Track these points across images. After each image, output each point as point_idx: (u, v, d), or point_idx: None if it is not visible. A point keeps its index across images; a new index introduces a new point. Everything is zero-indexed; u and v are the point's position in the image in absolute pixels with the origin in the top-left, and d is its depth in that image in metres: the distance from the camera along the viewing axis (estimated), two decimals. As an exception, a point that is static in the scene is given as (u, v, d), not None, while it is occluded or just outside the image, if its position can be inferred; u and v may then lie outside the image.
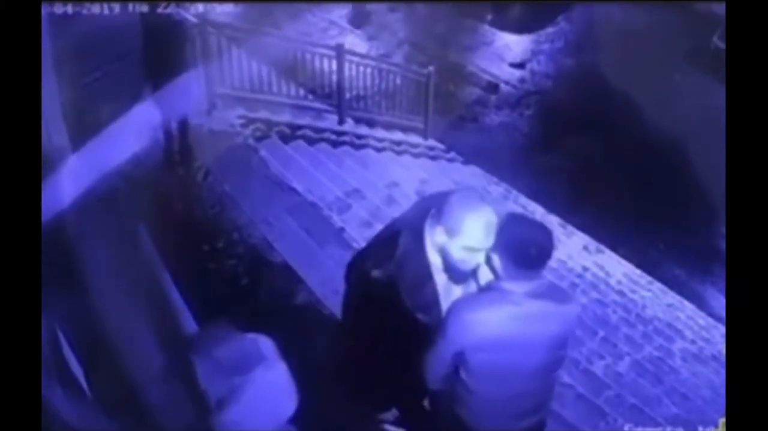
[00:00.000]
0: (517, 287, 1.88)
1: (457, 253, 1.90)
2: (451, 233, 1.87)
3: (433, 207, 1.95)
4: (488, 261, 1.95)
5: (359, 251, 2.14)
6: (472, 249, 1.88)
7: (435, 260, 1.98)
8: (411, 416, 2.38)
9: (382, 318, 2.00)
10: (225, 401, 1.79)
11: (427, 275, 1.99)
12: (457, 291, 2.04)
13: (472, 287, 2.05)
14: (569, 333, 2.04)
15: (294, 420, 1.85)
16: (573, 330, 2.05)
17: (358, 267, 2.07)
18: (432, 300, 2.02)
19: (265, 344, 1.91)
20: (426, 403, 2.37)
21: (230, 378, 1.80)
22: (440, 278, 2.02)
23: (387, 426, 2.36)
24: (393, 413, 2.35)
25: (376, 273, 1.99)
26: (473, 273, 2.01)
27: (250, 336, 1.91)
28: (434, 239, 1.94)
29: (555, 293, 1.95)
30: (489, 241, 1.87)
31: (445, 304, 2.01)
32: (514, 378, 1.97)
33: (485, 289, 1.98)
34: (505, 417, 2.06)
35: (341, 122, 6.29)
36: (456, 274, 2.00)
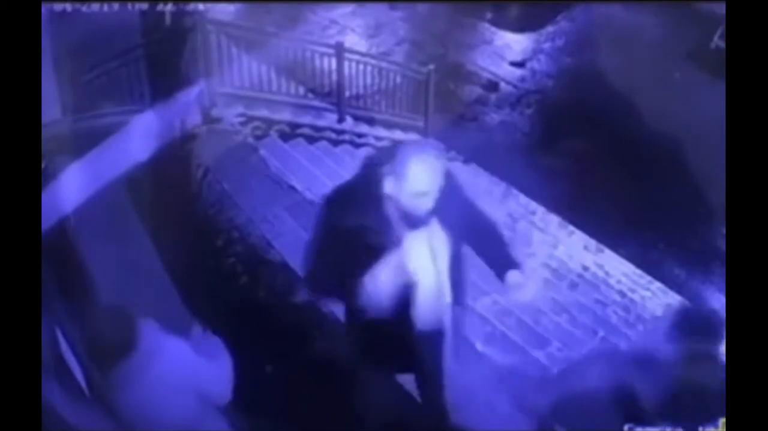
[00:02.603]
0: None
1: (407, 199, 2.03)
2: (399, 180, 2.00)
3: (382, 161, 2.09)
4: None
5: (326, 195, 2.26)
6: (418, 194, 2.00)
7: (391, 210, 2.11)
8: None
9: (344, 255, 2.11)
10: None
11: (386, 223, 2.11)
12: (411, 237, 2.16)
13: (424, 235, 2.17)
14: None
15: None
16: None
17: (324, 212, 2.20)
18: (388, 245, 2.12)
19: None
20: None
21: None
22: (398, 227, 2.14)
23: None
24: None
25: (339, 218, 2.11)
26: (426, 220, 2.13)
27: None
28: (386, 190, 2.07)
29: None
30: (435, 184, 2.00)
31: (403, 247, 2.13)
32: None
33: None
34: None
35: (341, 120, 6.28)
36: (410, 221, 2.11)
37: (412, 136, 6.85)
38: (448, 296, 2.31)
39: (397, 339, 2.28)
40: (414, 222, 2.11)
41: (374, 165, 2.12)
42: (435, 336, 2.39)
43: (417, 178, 1.98)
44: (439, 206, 2.08)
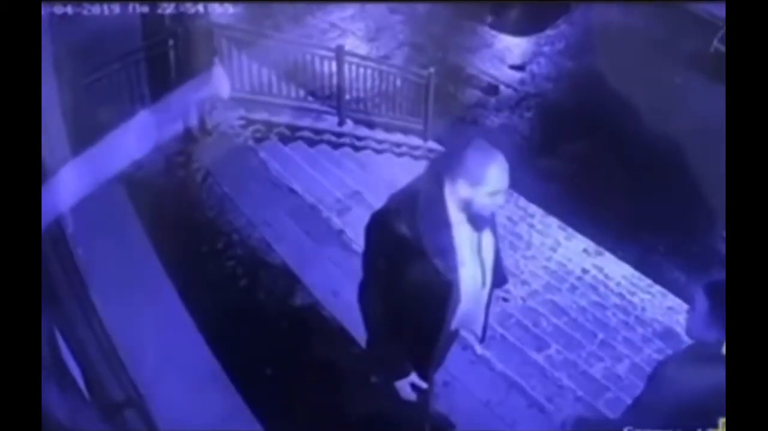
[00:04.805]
0: None
1: (481, 200, 2.10)
2: (474, 184, 2.07)
3: (447, 168, 2.13)
4: None
5: (380, 209, 2.30)
6: (494, 193, 2.10)
7: (455, 214, 2.15)
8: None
9: (402, 266, 2.17)
10: None
11: (446, 226, 2.16)
12: (472, 240, 2.22)
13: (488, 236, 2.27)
14: None
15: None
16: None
17: (380, 221, 2.26)
18: (449, 248, 2.18)
19: None
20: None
21: None
22: (459, 231, 2.18)
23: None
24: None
25: (398, 226, 2.15)
26: (491, 219, 2.24)
27: None
28: (458, 194, 2.11)
29: None
30: (506, 181, 2.10)
31: (461, 253, 2.19)
32: None
33: None
34: None
35: (341, 123, 6.29)
36: (479, 221, 2.20)
37: (412, 139, 6.86)
38: (487, 292, 2.38)
39: (428, 340, 2.32)
40: (479, 223, 2.20)
41: (436, 173, 2.17)
42: (454, 335, 2.50)
43: (494, 177, 2.07)
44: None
